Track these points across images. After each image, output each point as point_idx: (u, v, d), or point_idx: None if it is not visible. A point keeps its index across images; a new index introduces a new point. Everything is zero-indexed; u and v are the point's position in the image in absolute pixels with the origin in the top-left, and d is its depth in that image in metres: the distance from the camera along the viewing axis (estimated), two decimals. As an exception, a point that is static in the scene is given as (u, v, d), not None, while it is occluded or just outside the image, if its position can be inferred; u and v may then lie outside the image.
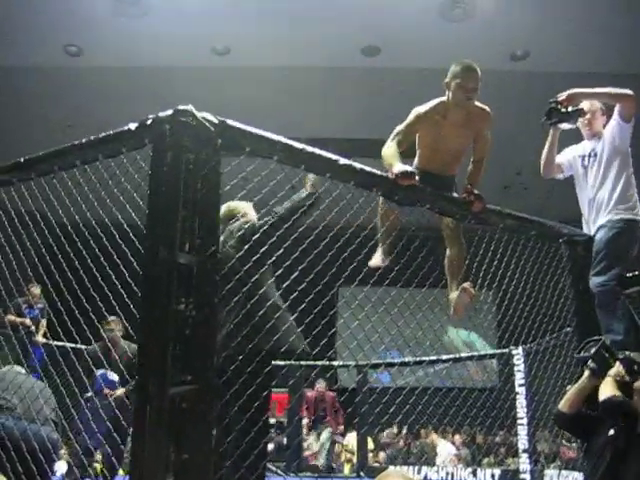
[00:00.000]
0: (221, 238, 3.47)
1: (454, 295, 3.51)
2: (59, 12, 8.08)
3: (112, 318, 5.09)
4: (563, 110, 3.67)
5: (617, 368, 3.21)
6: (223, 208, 3.64)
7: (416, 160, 3.61)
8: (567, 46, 8.44)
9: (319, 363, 7.82)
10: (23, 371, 4.29)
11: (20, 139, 8.75)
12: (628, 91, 3.65)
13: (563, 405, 3.42)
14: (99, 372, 5.14)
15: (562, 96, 3.69)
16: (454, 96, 3.33)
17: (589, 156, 3.90)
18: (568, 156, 4.04)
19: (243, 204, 3.72)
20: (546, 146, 4.04)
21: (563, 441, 6.01)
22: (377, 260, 3.70)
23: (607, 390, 3.14)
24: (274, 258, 3.21)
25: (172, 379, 2.02)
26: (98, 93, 9.57)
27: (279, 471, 7.97)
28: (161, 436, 1.98)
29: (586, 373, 3.35)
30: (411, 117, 3.43)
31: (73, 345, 4.70)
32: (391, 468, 7.11)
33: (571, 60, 8.57)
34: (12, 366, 4.22)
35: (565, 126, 3.78)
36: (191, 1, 8.01)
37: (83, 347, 5.26)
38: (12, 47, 8.68)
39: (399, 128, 3.41)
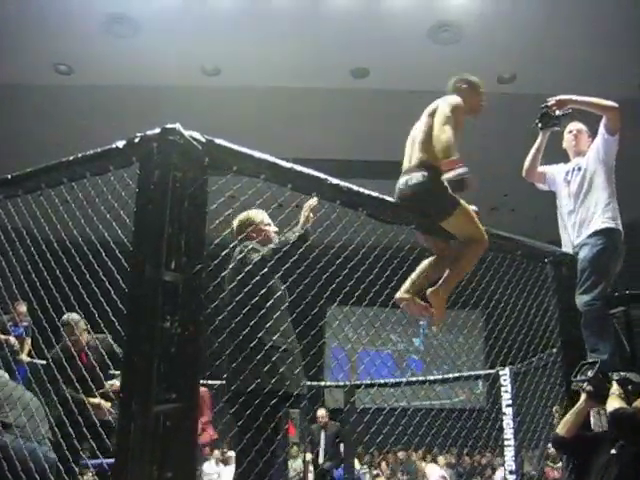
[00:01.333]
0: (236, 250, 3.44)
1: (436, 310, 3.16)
2: (50, 31, 8.12)
3: (75, 319, 4.48)
4: (552, 114, 3.86)
5: (617, 386, 3.22)
6: (235, 221, 3.61)
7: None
8: (554, 68, 8.55)
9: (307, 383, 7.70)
10: (7, 375, 4.15)
11: (10, 157, 8.73)
12: (614, 103, 3.76)
13: (561, 429, 3.41)
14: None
15: (552, 100, 3.87)
16: (479, 105, 3.38)
17: (572, 170, 4.00)
18: (553, 169, 4.15)
19: (254, 213, 3.64)
20: (533, 148, 4.15)
21: (547, 462, 5.99)
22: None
23: (614, 403, 3.14)
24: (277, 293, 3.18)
25: (157, 397, 2.01)
26: (88, 111, 9.59)
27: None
28: (145, 454, 1.96)
29: (583, 396, 3.35)
30: (457, 103, 3.14)
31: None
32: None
33: (557, 82, 8.68)
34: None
35: (555, 129, 3.95)
36: (182, 20, 8.07)
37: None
38: (2, 65, 8.70)
39: (449, 113, 3.05)
